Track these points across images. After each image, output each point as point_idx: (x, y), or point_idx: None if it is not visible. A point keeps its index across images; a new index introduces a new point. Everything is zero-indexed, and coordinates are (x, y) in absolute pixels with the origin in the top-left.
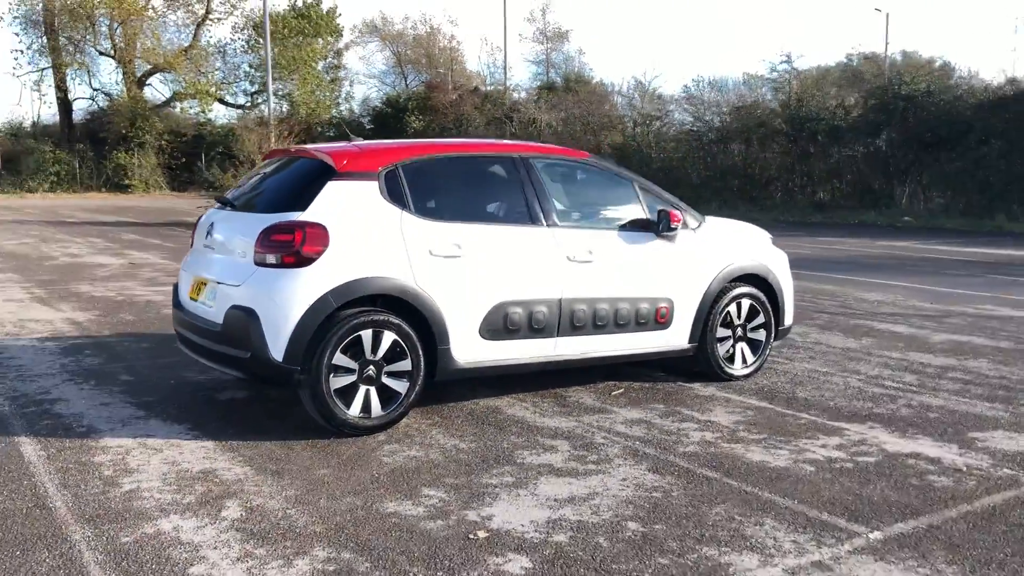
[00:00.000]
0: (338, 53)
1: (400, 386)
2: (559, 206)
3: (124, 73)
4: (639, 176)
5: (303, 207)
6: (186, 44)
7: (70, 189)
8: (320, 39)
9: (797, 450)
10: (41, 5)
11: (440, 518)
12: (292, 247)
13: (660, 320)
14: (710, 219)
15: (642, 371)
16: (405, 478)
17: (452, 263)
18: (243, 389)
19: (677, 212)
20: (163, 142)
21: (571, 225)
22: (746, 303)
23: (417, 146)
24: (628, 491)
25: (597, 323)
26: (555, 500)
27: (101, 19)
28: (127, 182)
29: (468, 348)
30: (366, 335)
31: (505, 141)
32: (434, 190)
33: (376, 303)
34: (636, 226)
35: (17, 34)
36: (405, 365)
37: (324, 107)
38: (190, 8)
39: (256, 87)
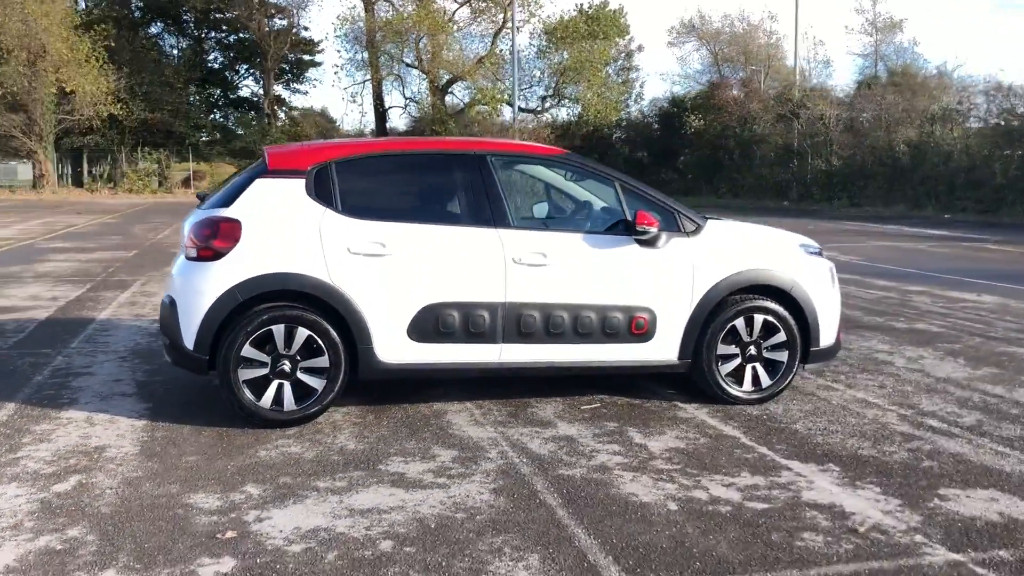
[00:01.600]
0: (629, 55)
1: (316, 383)
2: (515, 206)
3: (429, 83)
4: (625, 176)
5: (230, 203)
6: (483, 53)
7: None
8: (608, 41)
9: (691, 487)
10: (364, 23)
11: (219, 515)
12: (208, 241)
13: (636, 332)
14: (714, 222)
15: (651, 386)
16: (247, 473)
17: (374, 262)
18: None
19: (649, 213)
20: None
21: (525, 226)
22: (759, 318)
23: (357, 144)
24: (436, 509)
25: (551, 331)
26: (351, 510)
27: (409, 33)
28: None
29: (395, 349)
30: (278, 330)
31: (469, 139)
32: (366, 188)
33: (309, 300)
34: (612, 229)
35: (339, 51)
36: (322, 362)
37: (612, 109)
38: (492, 18)
39: (549, 92)
